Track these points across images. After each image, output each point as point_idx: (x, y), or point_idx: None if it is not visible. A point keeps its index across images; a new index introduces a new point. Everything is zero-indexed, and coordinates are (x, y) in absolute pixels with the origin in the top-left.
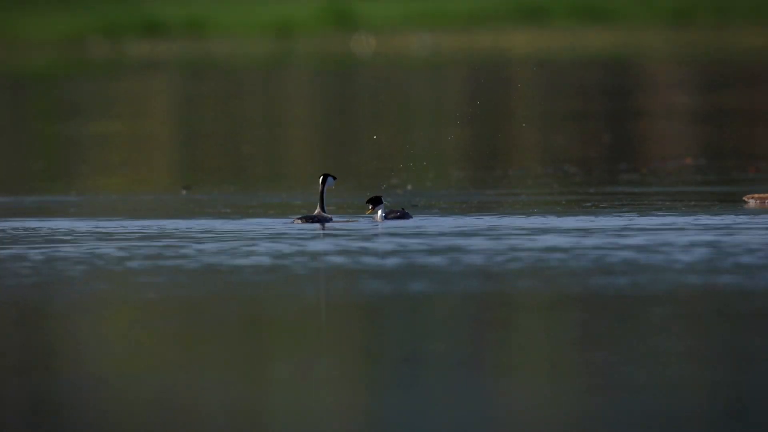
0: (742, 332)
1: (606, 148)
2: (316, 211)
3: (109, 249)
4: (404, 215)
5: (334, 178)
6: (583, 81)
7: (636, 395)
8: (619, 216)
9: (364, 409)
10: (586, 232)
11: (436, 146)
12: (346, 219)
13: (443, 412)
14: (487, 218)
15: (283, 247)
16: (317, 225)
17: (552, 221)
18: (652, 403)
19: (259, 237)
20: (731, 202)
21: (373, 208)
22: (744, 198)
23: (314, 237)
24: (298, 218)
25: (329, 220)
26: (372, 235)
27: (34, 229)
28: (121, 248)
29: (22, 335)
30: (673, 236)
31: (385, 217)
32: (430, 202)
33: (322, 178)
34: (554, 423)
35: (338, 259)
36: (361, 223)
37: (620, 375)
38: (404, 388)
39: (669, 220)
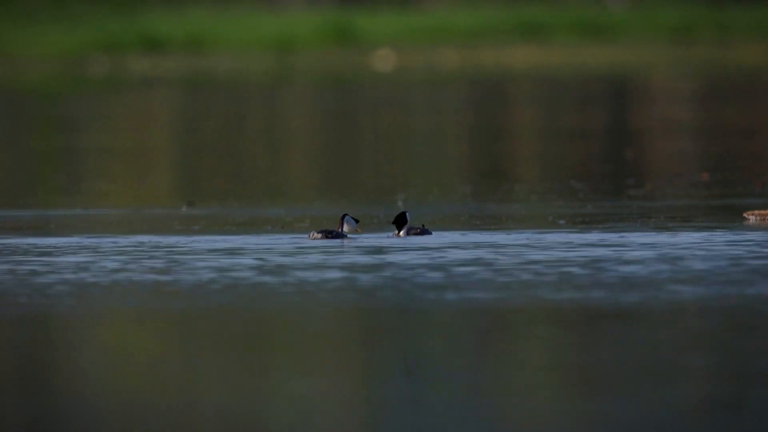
0: (744, 346)
1: (610, 164)
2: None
3: (113, 264)
4: (424, 232)
5: (357, 221)
6: (585, 97)
7: (642, 409)
8: (621, 231)
9: (368, 422)
10: (588, 246)
11: (439, 161)
12: (356, 228)
13: (446, 423)
14: (493, 234)
15: (300, 261)
16: (333, 240)
17: (555, 237)
18: (658, 415)
19: (274, 252)
20: (733, 219)
21: (399, 231)
22: (744, 215)
23: (330, 251)
24: (316, 233)
25: (344, 236)
26: (387, 250)
27: (36, 245)
28: (126, 263)
29: (25, 350)
30: (672, 251)
31: (407, 234)
32: (422, 217)
33: (341, 217)
34: None
35: (351, 274)
36: (378, 238)
37: (624, 387)
38: (408, 399)
39: (669, 235)
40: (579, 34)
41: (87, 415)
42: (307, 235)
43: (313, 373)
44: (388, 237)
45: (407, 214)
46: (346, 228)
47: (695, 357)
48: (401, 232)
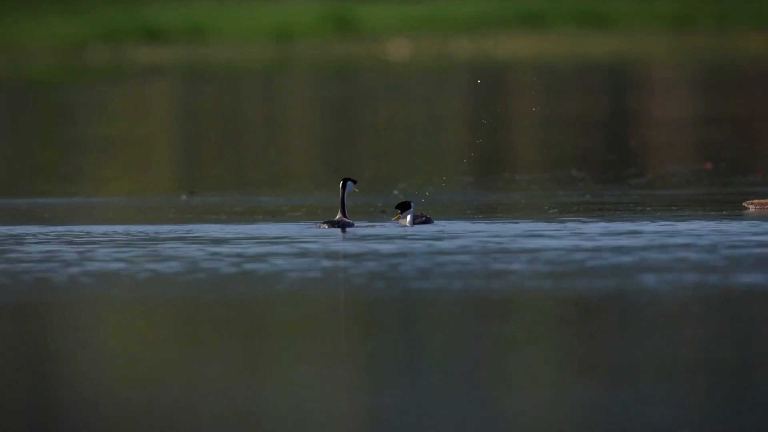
0: (742, 334)
1: (611, 153)
2: (337, 216)
3: (111, 253)
4: (427, 220)
5: (354, 181)
6: (586, 86)
7: (638, 399)
8: (619, 221)
9: (367, 415)
10: (587, 236)
11: (440, 151)
12: (369, 224)
13: (446, 416)
14: (493, 223)
15: (303, 250)
16: (339, 230)
17: (554, 226)
18: (656, 407)
19: (280, 241)
20: (733, 208)
21: (401, 213)
22: (743, 204)
23: (336, 241)
24: (323, 223)
25: (351, 225)
26: (390, 239)
27: (36, 233)
28: (129, 252)
29: (24, 339)
30: (670, 240)
31: (413, 223)
32: (422, 206)
33: (342, 182)
34: (557, 428)
35: (352, 263)
36: (386, 228)
37: (623, 378)
38: (408, 392)
39: (667, 225)
40: (579, 23)
41: (84, 406)
42: (313, 225)
43: (312, 363)
44: (396, 226)
45: (412, 203)
46: (348, 189)
47: (693, 345)
48: (408, 221)
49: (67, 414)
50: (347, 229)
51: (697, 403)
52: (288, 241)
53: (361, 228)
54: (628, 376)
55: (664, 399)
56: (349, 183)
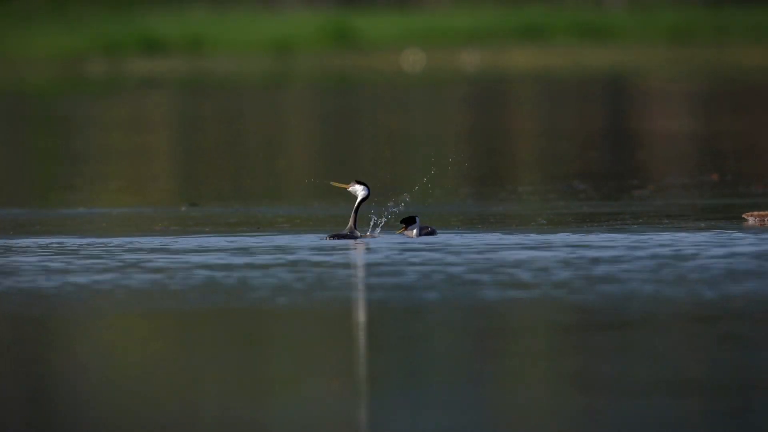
0: (737, 348)
1: (613, 165)
2: (347, 227)
3: (109, 264)
4: (432, 232)
5: (364, 184)
6: (586, 98)
7: (635, 409)
8: (618, 232)
9: (369, 423)
10: (589, 248)
11: (439, 163)
12: (373, 233)
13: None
14: (494, 234)
15: (308, 262)
16: (343, 241)
17: (556, 237)
18: (651, 414)
19: (284, 252)
20: (733, 219)
21: (406, 227)
22: (743, 216)
23: (341, 251)
24: (330, 236)
25: (357, 237)
26: (393, 249)
27: (37, 244)
28: (130, 263)
29: (21, 352)
30: (669, 252)
31: (419, 234)
32: (422, 218)
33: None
34: None
35: (354, 273)
36: (391, 239)
37: (618, 388)
38: (408, 401)
39: (666, 236)
40: (578, 35)
41: (86, 418)
42: (318, 237)
43: (313, 373)
44: (404, 237)
45: (417, 218)
46: (358, 190)
47: (688, 358)
48: (414, 232)
49: (70, 425)
50: (351, 241)
51: (695, 416)
52: (293, 253)
53: (369, 238)
54: (626, 389)
55: (663, 413)
56: (359, 189)
